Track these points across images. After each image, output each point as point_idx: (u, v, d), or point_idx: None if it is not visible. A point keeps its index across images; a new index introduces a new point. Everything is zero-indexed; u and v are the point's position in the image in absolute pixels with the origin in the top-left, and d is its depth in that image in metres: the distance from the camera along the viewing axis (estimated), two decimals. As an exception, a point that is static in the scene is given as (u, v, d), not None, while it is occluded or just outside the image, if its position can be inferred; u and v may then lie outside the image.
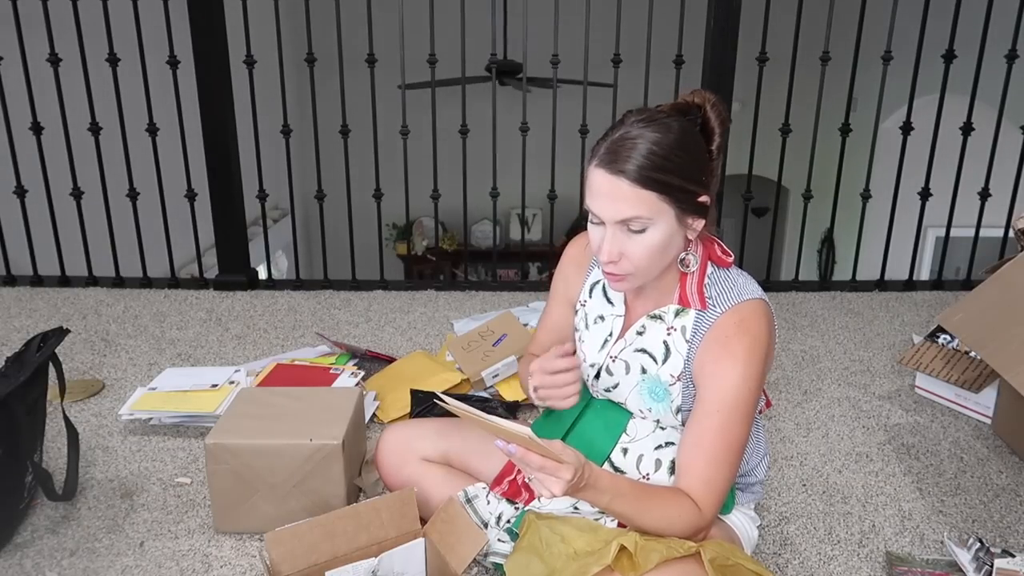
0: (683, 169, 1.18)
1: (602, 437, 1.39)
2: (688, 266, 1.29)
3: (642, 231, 1.19)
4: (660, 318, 1.32)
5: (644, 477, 1.35)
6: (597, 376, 1.40)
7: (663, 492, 1.26)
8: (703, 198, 1.22)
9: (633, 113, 1.24)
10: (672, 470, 1.34)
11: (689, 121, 1.24)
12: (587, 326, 1.42)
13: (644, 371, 1.33)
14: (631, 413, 1.38)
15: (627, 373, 1.35)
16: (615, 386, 1.38)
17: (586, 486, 1.16)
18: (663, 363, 1.31)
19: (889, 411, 2.06)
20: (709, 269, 1.30)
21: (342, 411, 1.59)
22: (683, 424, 1.32)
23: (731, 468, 1.26)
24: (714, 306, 1.27)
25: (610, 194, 1.18)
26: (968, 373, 2.02)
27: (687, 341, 1.29)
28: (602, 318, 1.40)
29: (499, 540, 1.40)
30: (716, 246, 1.32)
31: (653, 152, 1.17)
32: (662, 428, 1.36)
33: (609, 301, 1.40)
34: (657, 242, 1.20)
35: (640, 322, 1.34)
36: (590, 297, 1.43)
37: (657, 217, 1.18)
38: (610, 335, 1.38)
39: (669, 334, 1.31)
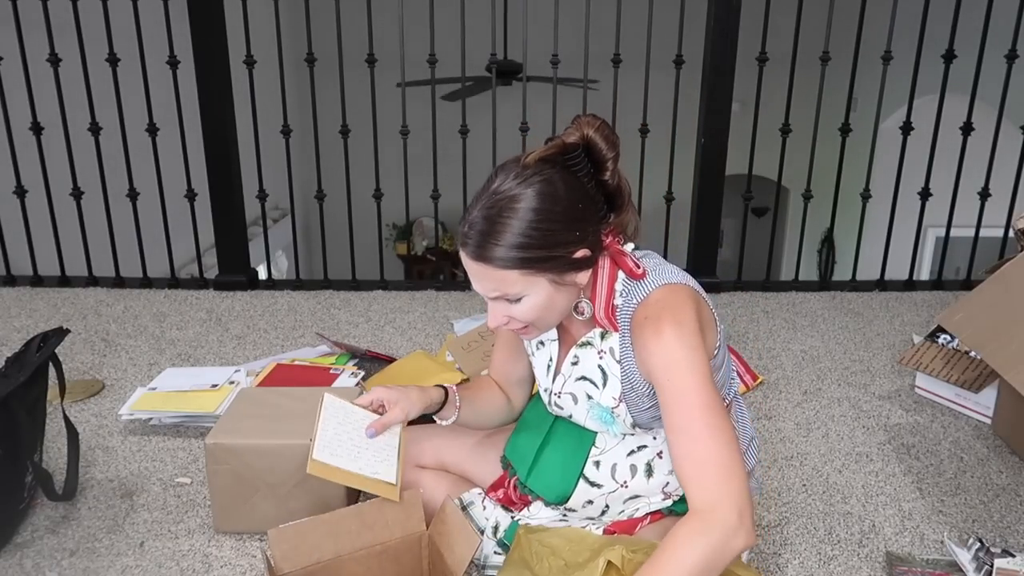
0: (546, 239, 1.14)
1: (572, 455, 1.37)
2: (583, 314, 1.27)
3: (518, 300, 1.20)
4: (589, 344, 1.30)
5: (623, 485, 1.34)
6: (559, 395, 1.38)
7: (665, 541, 1.10)
8: (579, 254, 1.18)
9: (492, 181, 1.18)
10: (649, 472, 1.33)
11: (558, 170, 1.17)
12: (533, 352, 1.42)
13: (590, 397, 1.32)
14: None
15: (576, 404, 1.34)
16: (569, 417, 1.37)
17: None
18: (604, 387, 1.29)
19: (889, 411, 2.06)
20: (620, 287, 1.25)
21: (342, 411, 1.58)
22: (652, 428, 1.31)
23: (723, 434, 1.12)
24: (624, 316, 1.24)
25: (476, 275, 1.19)
26: (968, 373, 2.02)
27: (618, 361, 1.27)
28: (542, 344, 1.40)
29: (495, 552, 1.42)
30: (628, 260, 1.24)
31: (510, 231, 1.13)
32: (631, 434, 1.34)
33: None
34: (538, 304, 1.20)
35: (572, 353, 1.33)
36: None
37: (527, 288, 1.18)
38: (551, 360, 1.38)
39: (601, 357, 1.29)
